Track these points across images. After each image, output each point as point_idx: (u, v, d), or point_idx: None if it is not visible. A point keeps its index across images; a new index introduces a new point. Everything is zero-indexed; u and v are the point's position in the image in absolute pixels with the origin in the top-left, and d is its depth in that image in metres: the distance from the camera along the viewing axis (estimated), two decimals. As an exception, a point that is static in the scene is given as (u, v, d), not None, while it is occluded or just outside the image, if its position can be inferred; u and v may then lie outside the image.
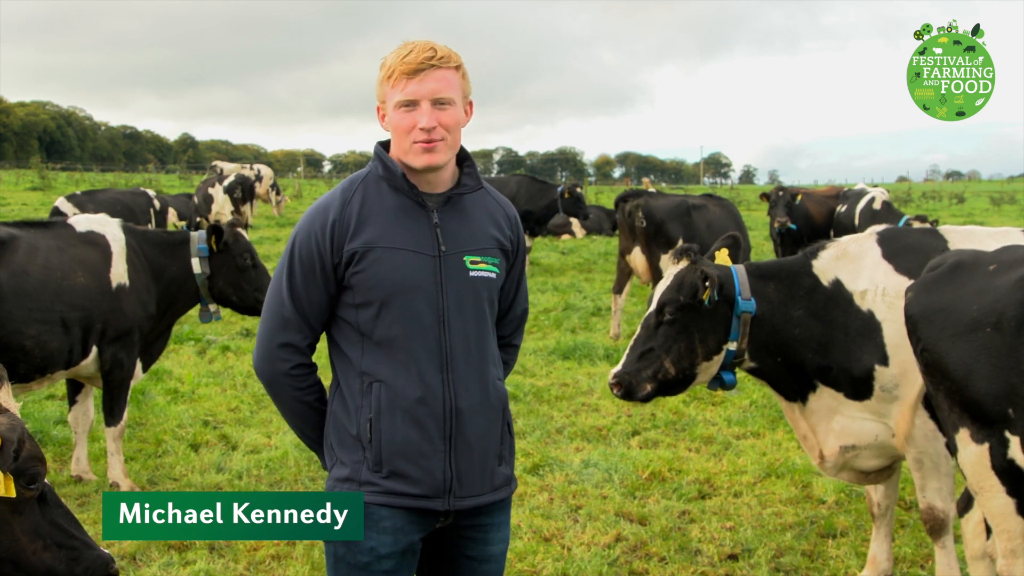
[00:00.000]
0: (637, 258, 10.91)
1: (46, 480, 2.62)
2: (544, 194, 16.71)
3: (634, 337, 4.52)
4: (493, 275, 2.83)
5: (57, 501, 2.65)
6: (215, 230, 6.17)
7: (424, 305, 2.72)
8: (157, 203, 14.34)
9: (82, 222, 6.01)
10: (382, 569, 2.73)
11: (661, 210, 10.78)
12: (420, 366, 2.71)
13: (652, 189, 16.54)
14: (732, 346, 4.41)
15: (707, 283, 4.30)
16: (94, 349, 5.79)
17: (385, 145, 2.87)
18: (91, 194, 14.25)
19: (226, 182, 18.70)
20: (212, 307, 6.27)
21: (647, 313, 4.52)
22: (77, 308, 5.63)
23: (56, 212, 13.08)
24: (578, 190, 16.46)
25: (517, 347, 3.16)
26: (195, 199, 19.37)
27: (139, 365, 6.12)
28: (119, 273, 5.84)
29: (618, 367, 4.48)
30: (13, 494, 2.51)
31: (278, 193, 26.64)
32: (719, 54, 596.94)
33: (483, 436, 2.79)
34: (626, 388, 4.42)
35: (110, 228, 5.99)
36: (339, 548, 2.76)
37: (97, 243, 5.86)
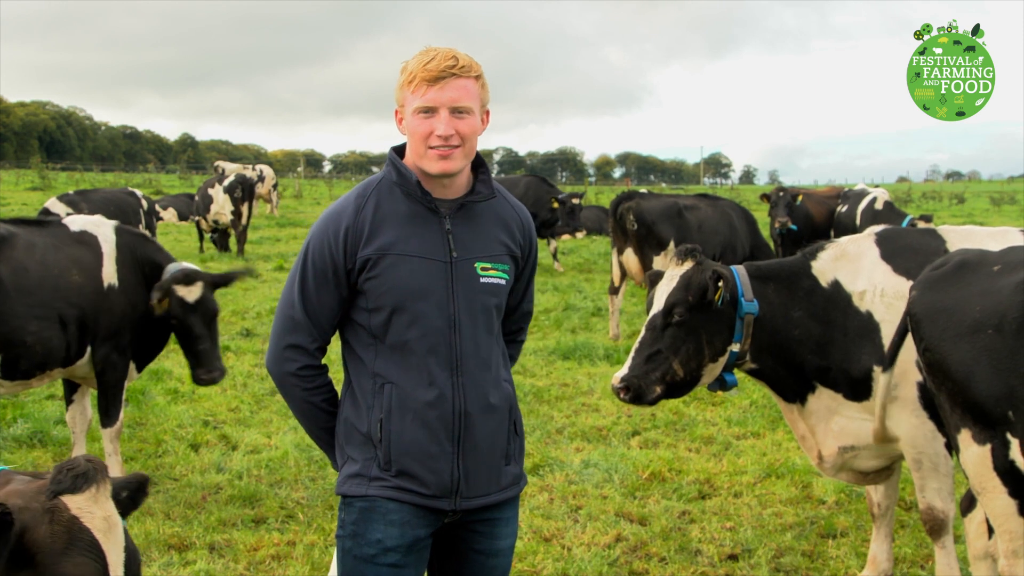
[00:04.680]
0: (630, 259, 10.93)
1: None
2: (552, 198, 16.72)
3: (639, 340, 4.44)
4: (503, 281, 2.87)
5: None
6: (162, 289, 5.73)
7: (435, 310, 2.76)
8: (144, 203, 14.38)
9: (76, 222, 6.02)
10: (388, 562, 2.77)
11: (652, 212, 10.81)
12: (431, 370, 2.76)
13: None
14: (736, 347, 4.38)
15: (719, 283, 4.27)
16: (88, 349, 5.79)
17: (399, 150, 2.90)
18: (83, 194, 14.24)
19: (226, 182, 18.68)
20: None
21: (652, 315, 4.44)
22: (73, 306, 5.64)
23: (46, 212, 13.03)
24: (574, 201, 16.48)
25: (521, 343, 3.20)
26: (196, 199, 19.39)
27: (132, 366, 6.10)
28: (110, 273, 5.84)
29: (624, 371, 4.37)
30: None
31: (278, 194, 26.69)
32: (727, 53, 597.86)
33: (491, 438, 2.84)
34: (635, 392, 4.33)
35: (103, 229, 5.98)
36: (347, 541, 2.81)
37: (88, 243, 5.87)
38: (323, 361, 2.92)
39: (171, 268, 5.94)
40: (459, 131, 2.73)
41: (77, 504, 2.09)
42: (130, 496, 2.30)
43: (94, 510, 2.10)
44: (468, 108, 2.74)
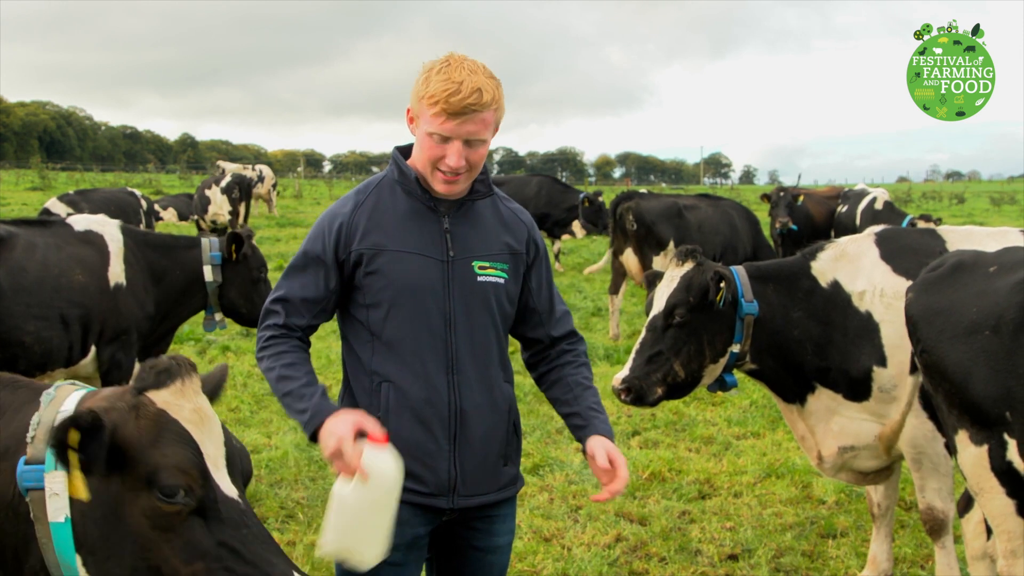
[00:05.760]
0: (629, 259, 10.93)
1: (236, 497, 2.17)
2: (565, 197, 16.68)
3: (640, 340, 4.45)
4: (502, 280, 2.87)
5: (238, 520, 2.15)
6: (235, 238, 6.02)
7: (432, 308, 2.78)
8: (144, 203, 14.39)
9: (80, 222, 5.99)
10: (388, 561, 2.76)
11: (651, 212, 10.81)
12: (427, 367, 2.77)
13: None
14: (736, 348, 4.39)
15: (722, 283, 4.27)
16: (93, 348, 5.78)
17: (403, 150, 2.92)
18: (83, 194, 14.24)
19: (223, 182, 18.70)
20: (218, 316, 6.18)
21: (653, 316, 4.45)
22: (76, 305, 5.62)
23: (46, 212, 13.03)
24: (599, 199, 16.49)
25: (584, 351, 3.06)
26: (195, 199, 19.42)
27: (138, 367, 6.08)
28: (116, 273, 5.82)
29: (625, 372, 4.38)
30: (84, 496, 2.06)
31: (277, 194, 26.71)
32: (728, 53, 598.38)
33: (488, 437, 2.85)
34: (637, 393, 4.34)
35: (108, 228, 5.97)
36: None
37: (94, 242, 5.85)
38: (313, 346, 2.92)
39: (215, 240, 6.08)
40: (469, 159, 2.74)
41: (163, 398, 2.12)
42: (211, 390, 2.33)
43: (181, 403, 2.12)
44: (483, 139, 2.75)
